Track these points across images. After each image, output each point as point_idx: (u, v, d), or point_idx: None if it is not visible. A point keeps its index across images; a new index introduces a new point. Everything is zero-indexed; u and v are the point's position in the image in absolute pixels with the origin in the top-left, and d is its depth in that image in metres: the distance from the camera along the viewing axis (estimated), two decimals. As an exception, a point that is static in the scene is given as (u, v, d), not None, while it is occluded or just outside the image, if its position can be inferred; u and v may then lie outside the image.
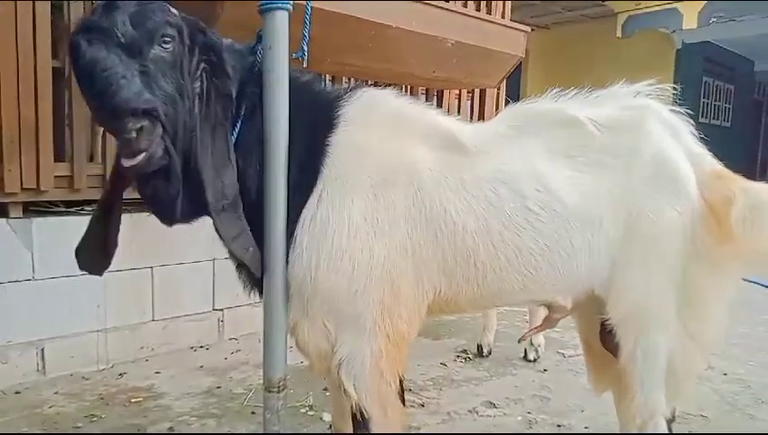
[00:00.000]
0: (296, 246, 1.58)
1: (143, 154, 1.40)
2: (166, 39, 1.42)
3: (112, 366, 3.37)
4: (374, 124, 1.68)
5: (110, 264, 1.72)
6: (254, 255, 1.58)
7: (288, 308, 1.64)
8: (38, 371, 3.15)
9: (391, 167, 1.64)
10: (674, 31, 9.53)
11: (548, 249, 1.70)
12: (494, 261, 1.67)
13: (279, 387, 1.65)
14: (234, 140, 1.56)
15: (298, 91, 1.64)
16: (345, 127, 1.64)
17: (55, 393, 3.00)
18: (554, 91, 1.85)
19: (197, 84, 1.50)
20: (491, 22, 4.01)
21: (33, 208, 3.17)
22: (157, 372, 3.33)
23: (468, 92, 5.26)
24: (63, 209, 3.25)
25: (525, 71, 11.26)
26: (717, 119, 11.89)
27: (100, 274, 1.73)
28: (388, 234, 1.59)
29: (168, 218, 1.58)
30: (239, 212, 1.54)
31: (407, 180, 1.63)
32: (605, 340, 1.92)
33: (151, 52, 1.40)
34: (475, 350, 3.78)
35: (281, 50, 1.55)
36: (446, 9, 3.64)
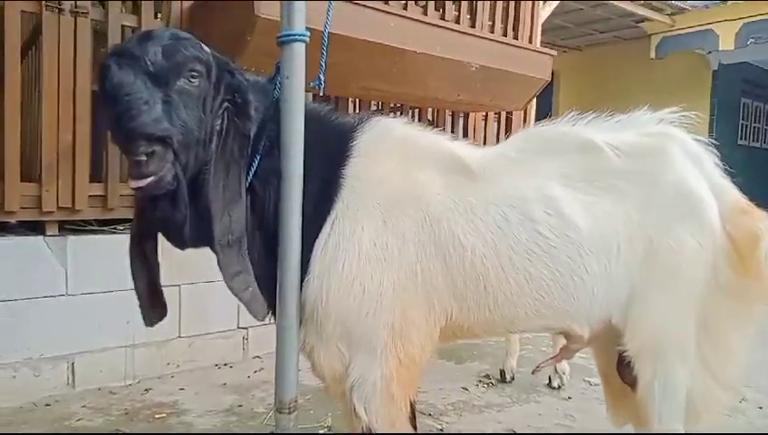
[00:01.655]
0: (309, 272, 1.62)
1: (151, 177, 1.45)
2: (193, 74, 1.49)
3: (139, 382, 3.45)
4: (385, 153, 1.71)
5: (166, 311, 1.80)
6: (253, 295, 1.59)
7: (302, 332, 1.67)
8: (68, 384, 3.24)
9: (400, 194, 1.66)
10: (710, 52, 9.34)
11: (560, 275, 1.68)
12: (504, 285, 1.67)
13: (290, 408, 1.67)
14: (252, 175, 1.61)
15: (315, 123, 1.69)
16: (358, 158, 1.68)
17: (83, 407, 3.09)
18: (572, 113, 1.85)
19: (218, 121, 1.55)
20: (515, 46, 4.03)
21: (69, 227, 3.31)
22: (181, 389, 3.39)
23: (495, 115, 5.27)
24: (97, 228, 3.37)
25: (557, 92, 11.19)
26: (757, 141, 11.55)
27: (160, 319, 1.80)
28: (397, 259, 1.61)
29: (176, 242, 1.64)
30: (243, 250, 1.57)
31: (415, 206, 1.66)
32: (622, 373, 1.88)
33: (177, 83, 1.47)
34: (498, 375, 3.73)
35: (298, 80, 1.60)
36: (470, 34, 3.69)
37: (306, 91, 1.69)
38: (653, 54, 9.69)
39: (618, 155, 1.75)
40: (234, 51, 2.99)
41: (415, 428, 1.78)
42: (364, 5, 3.18)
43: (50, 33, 3.00)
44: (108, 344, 3.36)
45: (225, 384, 3.51)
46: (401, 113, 4.70)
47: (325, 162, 1.68)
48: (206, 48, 1.56)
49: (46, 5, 2.98)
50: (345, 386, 1.66)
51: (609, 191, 1.73)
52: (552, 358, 2.03)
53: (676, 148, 1.79)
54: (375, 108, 4.83)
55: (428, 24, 3.53)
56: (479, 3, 4.40)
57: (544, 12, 6.17)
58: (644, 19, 9.17)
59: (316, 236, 1.63)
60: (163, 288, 3.61)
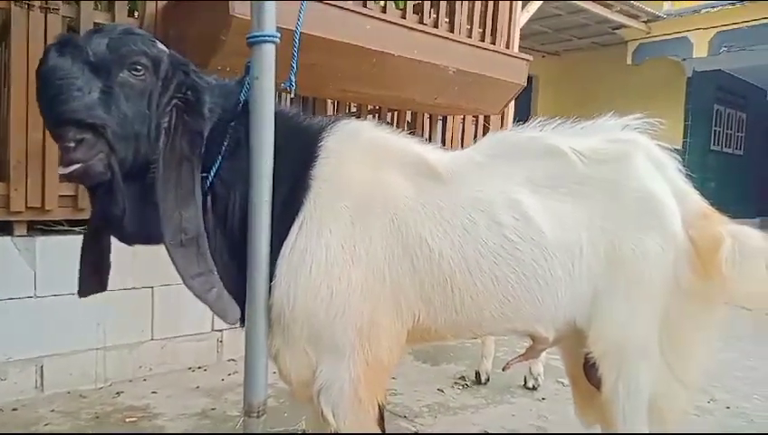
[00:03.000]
0: (276, 275, 1.61)
1: (78, 165, 1.44)
2: (137, 67, 1.49)
3: (110, 385, 3.40)
4: (353, 155, 1.71)
5: (104, 288, 1.76)
6: (218, 296, 1.57)
7: (270, 335, 1.66)
8: (36, 388, 3.18)
9: (368, 196, 1.66)
10: (684, 59, 9.53)
11: (526, 278, 1.70)
12: (471, 288, 1.68)
13: (259, 412, 1.66)
14: (213, 175, 1.59)
15: (282, 124, 1.68)
16: (326, 159, 1.67)
17: (51, 411, 3.03)
18: (539, 119, 1.87)
19: (166, 118, 1.54)
20: (492, 50, 4.07)
21: (38, 227, 3.24)
22: (153, 392, 3.35)
23: (473, 118, 5.31)
24: (67, 228, 3.31)
25: (535, 96, 11.31)
26: (729, 147, 11.79)
27: (94, 292, 1.75)
28: (365, 261, 1.61)
29: (119, 236, 1.63)
30: (202, 251, 1.54)
31: (383, 208, 1.66)
32: (589, 374, 1.91)
33: (120, 75, 1.47)
34: (474, 377, 3.76)
35: (267, 81, 1.59)
36: (448, 38, 3.71)
37: (277, 91, 1.68)
38: (630, 60, 9.87)
39: (582, 161, 1.78)
40: (209, 51, 2.97)
41: (383, 430, 1.78)
42: (342, 7, 3.18)
43: (18, 30, 2.95)
44: (78, 347, 3.31)
45: (198, 387, 3.47)
46: (379, 116, 4.71)
47: (293, 164, 1.67)
48: (160, 46, 1.55)
49: (15, 1, 2.92)
50: (312, 390, 1.65)
51: (573, 196, 1.76)
52: (518, 357, 2.05)
53: (640, 154, 1.82)
54: (353, 110, 4.85)
55: (406, 27, 3.54)
56: (457, 7, 4.44)
57: (522, 17, 6.23)
58: (621, 26, 9.32)
59: (284, 238, 1.62)
60: (135, 290, 3.58)
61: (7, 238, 3.07)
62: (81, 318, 3.29)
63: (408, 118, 4.99)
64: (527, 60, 4.26)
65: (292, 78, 1.73)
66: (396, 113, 4.86)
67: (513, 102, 4.98)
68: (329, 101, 4.53)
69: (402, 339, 1.72)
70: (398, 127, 4.70)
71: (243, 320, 1.68)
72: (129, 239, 1.63)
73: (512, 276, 1.70)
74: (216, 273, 1.57)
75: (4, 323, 3.06)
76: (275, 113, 1.67)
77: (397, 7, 4.11)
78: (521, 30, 5.56)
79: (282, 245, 1.62)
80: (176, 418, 3.04)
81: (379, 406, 1.73)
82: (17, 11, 2.95)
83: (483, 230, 1.69)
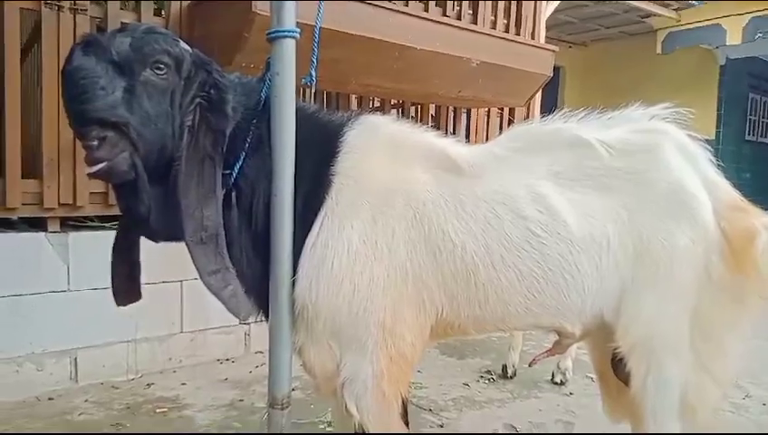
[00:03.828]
0: (299, 271, 1.62)
1: (103, 164, 1.46)
2: (159, 66, 1.50)
3: (141, 376, 3.48)
4: (373, 150, 1.71)
5: (140, 296, 1.80)
6: (233, 294, 1.58)
7: (294, 330, 1.67)
8: (71, 379, 3.28)
9: (389, 191, 1.66)
10: (717, 47, 9.26)
11: (551, 272, 1.68)
12: (495, 282, 1.67)
13: (283, 404, 1.68)
14: (236, 173, 1.61)
15: (303, 120, 1.68)
16: (346, 155, 1.67)
17: (85, 401, 3.12)
18: (563, 110, 1.84)
19: (189, 117, 1.55)
20: (517, 42, 4.02)
21: (70, 223, 3.33)
22: (183, 384, 3.42)
23: (498, 111, 5.26)
24: (98, 224, 3.39)
25: (562, 88, 11.13)
26: (765, 136, 11.45)
27: (131, 302, 1.81)
28: (387, 256, 1.61)
29: (146, 234, 1.66)
30: (221, 248, 1.56)
31: (404, 203, 1.65)
32: (617, 369, 1.88)
33: (143, 74, 1.48)
34: (500, 370, 3.73)
35: (288, 77, 1.60)
36: (471, 30, 3.67)
37: (298, 87, 1.69)
38: (659, 50, 9.61)
39: (609, 152, 1.74)
40: (232, 48, 3.01)
41: (407, 424, 1.78)
42: (363, 2, 3.17)
43: (49, 30, 3.02)
44: (110, 339, 3.40)
45: (226, 379, 3.53)
46: (402, 110, 4.70)
47: (314, 159, 1.67)
48: (183, 45, 1.56)
49: (45, 3, 2.99)
50: (336, 384, 1.66)
51: (599, 189, 1.73)
52: (545, 352, 2.03)
53: (668, 144, 1.77)
54: (376, 105, 4.84)
55: (429, 20, 3.51)
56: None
57: (548, 7, 6.14)
58: (650, 14, 9.09)
59: (306, 234, 1.63)
60: (165, 283, 3.64)
61: (41, 234, 3.16)
62: (114, 311, 3.26)
63: (432, 111, 4.97)
64: (553, 50, 4.20)
65: (313, 73, 1.74)
66: (419, 107, 4.84)
67: (539, 94, 4.93)
68: (353, 97, 4.54)
69: (426, 334, 1.71)
70: (421, 121, 4.70)
71: (266, 314, 1.70)
72: (154, 236, 1.66)
73: (537, 271, 1.68)
74: (232, 270, 1.59)
75: (40, 316, 3.16)
76: (297, 109, 1.68)
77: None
78: (547, 20, 5.48)
79: (304, 240, 1.63)
80: (204, 409, 3.10)
81: (403, 400, 1.73)
82: (47, 12, 3.02)
83: (507, 224, 1.68)
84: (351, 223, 1.62)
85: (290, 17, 1.59)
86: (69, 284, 3.24)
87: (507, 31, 4.59)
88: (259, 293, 1.69)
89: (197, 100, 1.55)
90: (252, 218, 1.65)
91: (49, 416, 2.92)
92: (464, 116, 5.10)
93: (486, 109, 5.02)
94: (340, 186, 1.65)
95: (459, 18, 4.22)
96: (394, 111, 4.78)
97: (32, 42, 3.23)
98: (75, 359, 3.28)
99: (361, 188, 1.65)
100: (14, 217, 3.17)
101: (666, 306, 1.70)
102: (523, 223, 1.68)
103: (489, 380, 3.67)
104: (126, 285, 1.76)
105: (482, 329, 1.80)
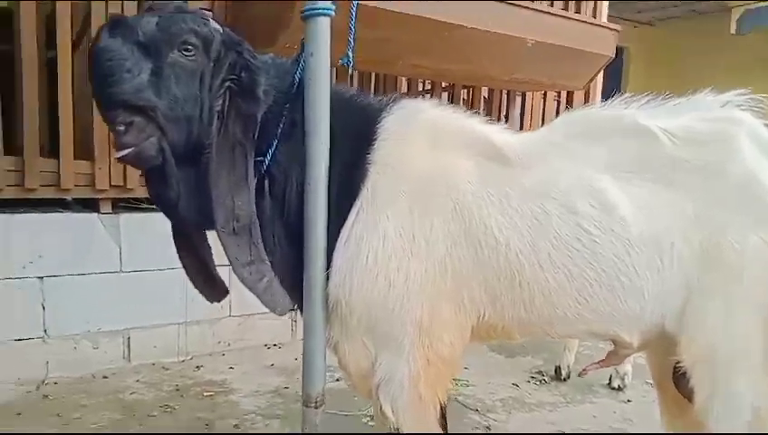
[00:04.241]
0: (333, 265, 1.54)
1: (130, 149, 1.42)
2: (188, 47, 1.43)
3: (191, 358, 3.55)
4: (412, 138, 1.61)
5: (227, 291, 1.76)
6: (267, 286, 1.52)
7: (328, 326, 1.61)
8: (124, 358, 3.38)
9: (428, 181, 1.56)
10: (801, 26, 8.54)
11: (606, 275, 1.53)
12: (542, 283, 1.54)
13: (317, 402, 1.62)
14: (269, 159, 1.54)
15: (339, 104, 1.60)
16: (384, 142, 1.58)
17: (137, 381, 3.20)
18: (626, 96, 1.68)
19: (219, 101, 1.48)
20: (576, 20, 3.78)
21: (122, 205, 3.40)
22: (231, 368, 3.46)
23: (555, 94, 5.02)
24: (148, 206, 3.45)
25: (626, 71, 10.57)
26: None
27: (222, 298, 1.77)
28: (425, 251, 1.51)
29: (176, 222, 1.61)
30: (255, 238, 1.50)
31: (444, 194, 1.54)
32: (679, 383, 1.69)
33: (170, 56, 1.42)
34: (553, 372, 3.56)
35: (323, 57, 1.51)
36: (525, 7, 3.48)
37: (334, 67, 1.61)
38: (734, 30, 8.90)
39: (674, 142, 1.57)
40: (276, 29, 2.96)
41: (445, 428, 1.69)
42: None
43: (98, 19, 3.06)
44: (161, 321, 3.47)
45: (272, 365, 3.55)
46: (453, 93, 4.55)
47: (349, 146, 1.59)
48: (213, 24, 1.49)
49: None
50: (372, 383, 1.59)
51: (663, 183, 1.56)
52: (598, 362, 1.88)
53: (743, 134, 1.57)
54: (427, 88, 4.71)
55: (477, -3, 3.35)
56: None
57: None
58: (724, -10, 8.48)
59: (341, 226, 1.55)
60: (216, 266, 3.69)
61: (94, 215, 3.25)
62: (164, 293, 3.43)
63: (485, 94, 4.79)
64: (615, 30, 3.94)
65: (350, 54, 1.64)
66: (471, 90, 4.67)
67: (600, 78, 4.66)
68: (403, 79, 4.43)
69: (466, 335, 1.61)
70: (472, 105, 4.54)
71: (300, 307, 1.64)
72: (184, 224, 1.62)
73: (589, 272, 1.54)
74: (267, 262, 1.53)
75: (95, 296, 3.26)
76: (332, 93, 1.59)
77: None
78: (609, -1, 5.17)
79: (338, 232, 1.55)
80: (250, 395, 3.13)
81: (441, 404, 1.64)
82: (96, 3, 3.07)
83: (555, 220, 1.53)
84: (387, 215, 1.52)
85: (324, -7, 1.50)
86: (121, 265, 3.32)
87: (566, 8, 4.35)
88: (293, 284, 1.62)
89: (227, 83, 1.49)
90: (285, 207, 1.58)
91: (103, 394, 3.02)
92: (518, 100, 4.90)
93: (542, 92, 4.80)
94: (376, 175, 1.55)
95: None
96: (444, 94, 4.63)
97: (83, 30, 3.29)
98: (128, 339, 3.38)
99: (398, 178, 1.55)
100: (69, 197, 3.27)
101: (735, 315, 1.51)
102: (573, 219, 1.53)
103: (540, 381, 3.51)
104: (207, 284, 1.72)
105: (528, 333, 1.67)
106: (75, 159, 3.17)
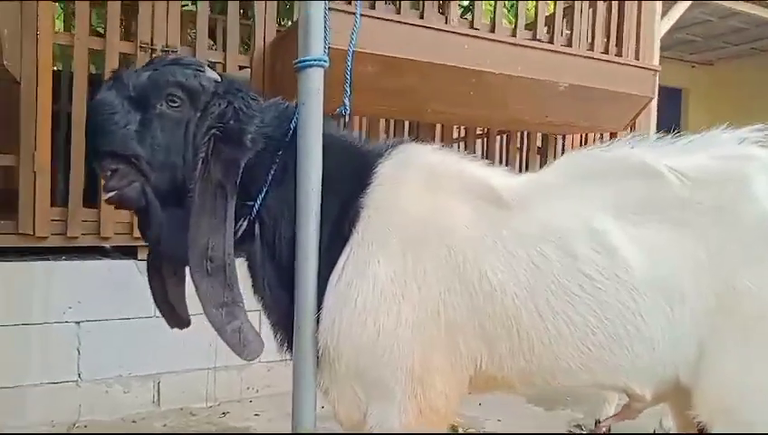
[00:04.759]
0: (322, 308, 1.52)
1: (114, 192, 1.54)
2: (172, 99, 1.53)
3: (219, 404, 3.54)
4: (408, 182, 1.58)
5: (187, 323, 1.88)
6: (237, 330, 1.53)
7: (318, 370, 1.58)
8: (153, 402, 3.41)
9: (422, 225, 1.52)
10: None
11: (610, 323, 1.44)
12: (541, 332, 1.46)
13: (308, 452, 1.57)
14: (258, 204, 1.56)
15: (338, 150, 1.62)
16: (378, 187, 1.56)
17: (164, 426, 3.22)
18: (633, 135, 1.59)
19: (204, 147, 1.53)
20: (610, 62, 3.70)
21: (157, 252, 3.50)
22: (256, 414, 3.43)
23: (599, 136, 4.87)
24: (183, 253, 3.54)
25: (685, 112, 10.23)
26: None
27: (182, 328, 1.89)
28: (417, 296, 1.46)
29: (164, 259, 1.68)
30: (229, 280, 1.51)
31: (438, 239, 1.50)
32: (704, 440, 1.55)
33: (157, 107, 1.52)
34: (593, 425, 3.35)
35: (314, 107, 1.54)
36: (556, 51, 3.44)
37: (331, 116, 1.62)
38: (798, 66, 8.53)
39: (683, 182, 1.48)
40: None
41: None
42: (434, 28, 3.10)
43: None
44: (191, 366, 3.50)
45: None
46: (488, 139, 4.50)
47: (345, 191, 1.59)
48: (209, 75, 1.57)
49: (140, 46, 3.23)
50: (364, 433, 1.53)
51: (672, 225, 1.46)
52: (614, 416, 1.74)
53: (762, 173, 1.47)
54: (461, 134, 4.68)
55: (507, 42, 3.34)
56: (576, 17, 4.12)
57: (664, 24, 5.67)
58: (788, 26, 8.12)
59: (331, 269, 1.53)
60: (249, 313, 3.72)
61: (131, 262, 3.36)
62: (195, 338, 3.41)
63: (520, 140, 4.71)
64: (654, 70, 3.82)
65: (346, 102, 1.65)
66: (506, 135, 4.61)
67: (653, 119, 4.51)
68: (437, 126, 4.43)
69: (463, 386, 1.53)
70: (507, 150, 4.47)
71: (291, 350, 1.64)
72: (168, 260, 1.68)
73: (592, 320, 1.44)
74: (242, 305, 1.53)
75: (128, 341, 3.33)
76: (333, 139, 1.63)
77: (509, 22, 3.93)
78: (663, 39, 5.03)
79: (329, 275, 1.53)
80: (271, 443, 3.07)
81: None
82: (142, 56, 3.26)
83: (555, 264, 1.46)
84: (378, 259, 1.49)
85: (317, 45, 1.54)
86: (154, 310, 3.38)
87: (607, 51, 4.27)
88: (286, 327, 1.63)
89: (213, 130, 1.54)
90: (276, 251, 1.59)
91: (130, 439, 3.04)
92: (560, 143, 4.79)
93: (583, 134, 4.67)
94: (368, 218, 1.53)
95: (552, 41, 3.99)
96: (479, 140, 4.59)
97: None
98: (158, 383, 3.41)
99: (391, 222, 1.53)
100: (108, 245, 3.40)
101: (757, 366, 1.38)
102: (573, 263, 1.45)
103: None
104: (169, 311, 1.85)
105: (529, 384, 1.57)
106: (115, 208, 3.31)
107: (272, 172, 1.57)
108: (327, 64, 1.55)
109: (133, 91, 1.51)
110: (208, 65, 1.64)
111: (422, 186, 1.58)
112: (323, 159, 1.56)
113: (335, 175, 1.58)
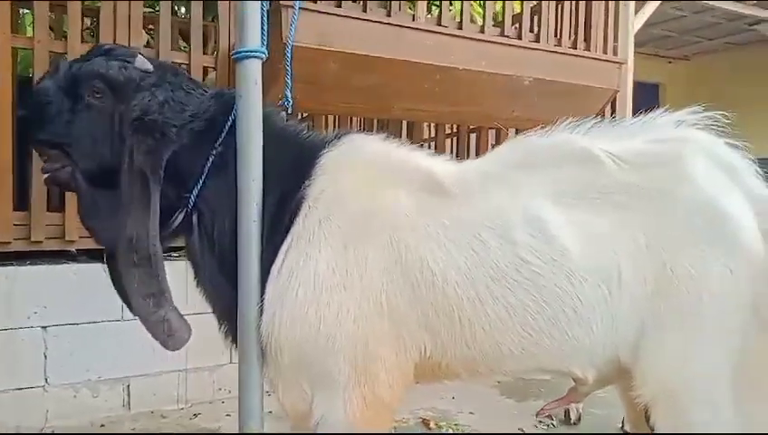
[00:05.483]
0: (264, 301, 1.51)
1: (48, 174, 1.63)
2: (95, 90, 1.56)
3: (191, 406, 3.51)
4: (350, 171, 1.59)
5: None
6: (162, 320, 1.53)
7: (264, 364, 1.57)
8: (123, 406, 3.37)
9: (363, 215, 1.52)
10: None
11: (548, 307, 1.45)
12: (482, 318, 1.46)
13: (258, 444, 1.56)
14: (195, 195, 1.56)
15: (281, 141, 1.62)
16: (320, 177, 1.56)
17: (133, 429, 3.18)
18: (569, 121, 1.61)
19: (128, 138, 1.54)
20: (575, 56, 3.73)
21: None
22: (227, 415, 3.40)
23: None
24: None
25: (663, 106, 10.33)
26: None
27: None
28: (359, 286, 1.46)
29: (97, 241, 1.71)
30: (155, 270, 1.50)
31: (379, 228, 1.50)
32: (649, 420, 1.56)
33: (85, 99, 1.57)
34: (563, 415, 3.36)
35: (252, 99, 1.53)
36: (519, 46, 3.45)
37: (274, 109, 1.62)
38: (772, 59, 8.65)
39: (620, 166, 1.49)
40: (268, 80, 3.03)
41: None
42: (397, 24, 3.10)
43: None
44: (162, 368, 3.46)
45: (270, 412, 3.45)
46: (457, 138, 4.51)
47: (287, 181, 1.58)
48: (141, 65, 1.57)
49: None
50: (310, 424, 1.52)
51: (609, 209, 1.48)
52: (557, 400, 1.75)
53: (699, 155, 1.49)
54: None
55: (470, 39, 3.36)
56: (543, 12, 4.13)
57: (637, 21, 5.70)
58: (759, 20, 8.22)
59: (273, 260, 1.52)
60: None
61: (98, 265, 3.32)
62: None
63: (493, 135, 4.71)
64: (619, 63, 3.85)
65: (288, 94, 1.65)
66: (477, 131, 4.62)
67: (629, 114, 4.52)
68: (404, 123, 4.43)
69: (408, 375, 1.53)
70: (479, 144, 4.48)
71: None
72: (105, 244, 1.66)
73: (530, 305, 1.45)
74: (168, 295, 1.53)
75: (97, 344, 3.30)
76: (277, 130, 1.63)
77: (472, 20, 3.94)
78: (639, 35, 5.04)
79: (269, 268, 1.52)
80: (242, 443, 3.05)
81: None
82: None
83: (493, 251, 1.47)
84: (319, 249, 1.49)
85: (254, 36, 1.53)
86: (122, 313, 3.36)
87: (575, 46, 4.29)
88: (230, 319, 1.62)
89: (137, 122, 1.54)
90: (216, 242, 1.58)
91: (97, 443, 3.01)
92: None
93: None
94: (308, 209, 1.53)
95: (519, 37, 4.00)
96: (449, 140, 4.59)
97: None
98: (128, 386, 3.38)
99: (332, 212, 1.53)
100: (73, 249, 3.36)
101: (695, 348, 1.40)
102: (512, 249, 1.46)
103: (548, 425, 3.32)
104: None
105: (474, 372, 1.57)
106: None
107: (208, 164, 1.56)
108: (264, 56, 1.55)
109: (65, 81, 1.55)
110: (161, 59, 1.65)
111: (364, 176, 1.59)
112: (266, 149, 1.55)
113: (278, 166, 1.58)
